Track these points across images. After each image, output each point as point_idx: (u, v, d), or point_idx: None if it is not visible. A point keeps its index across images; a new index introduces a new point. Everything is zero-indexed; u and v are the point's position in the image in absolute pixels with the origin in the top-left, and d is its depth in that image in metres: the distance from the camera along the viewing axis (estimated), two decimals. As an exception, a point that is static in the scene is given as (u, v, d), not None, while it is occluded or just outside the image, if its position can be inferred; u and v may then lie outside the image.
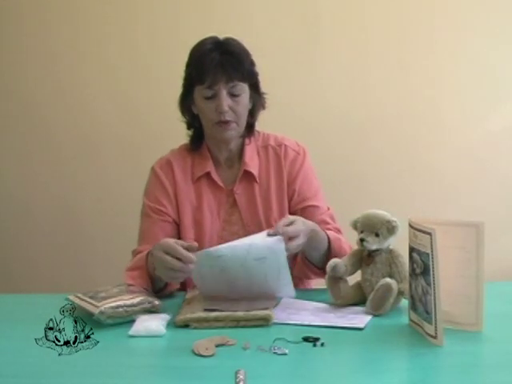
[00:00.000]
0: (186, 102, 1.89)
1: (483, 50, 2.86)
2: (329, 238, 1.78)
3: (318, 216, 1.88)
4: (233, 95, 1.81)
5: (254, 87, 1.88)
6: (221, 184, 1.90)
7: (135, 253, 1.86)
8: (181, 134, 1.96)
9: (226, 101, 1.80)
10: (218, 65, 1.79)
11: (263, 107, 1.93)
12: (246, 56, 1.85)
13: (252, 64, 1.87)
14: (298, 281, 1.93)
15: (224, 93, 1.80)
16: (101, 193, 2.92)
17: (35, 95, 2.90)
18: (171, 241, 1.59)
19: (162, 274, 1.62)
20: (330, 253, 1.76)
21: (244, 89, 1.84)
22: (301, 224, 1.65)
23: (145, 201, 1.92)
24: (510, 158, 2.93)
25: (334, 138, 2.88)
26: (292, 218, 1.66)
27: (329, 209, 1.94)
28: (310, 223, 1.71)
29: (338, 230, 1.90)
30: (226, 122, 1.82)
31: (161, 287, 1.74)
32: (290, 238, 1.60)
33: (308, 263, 1.81)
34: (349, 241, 1.72)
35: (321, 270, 1.79)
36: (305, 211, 1.88)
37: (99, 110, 2.89)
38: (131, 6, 2.86)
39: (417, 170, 2.91)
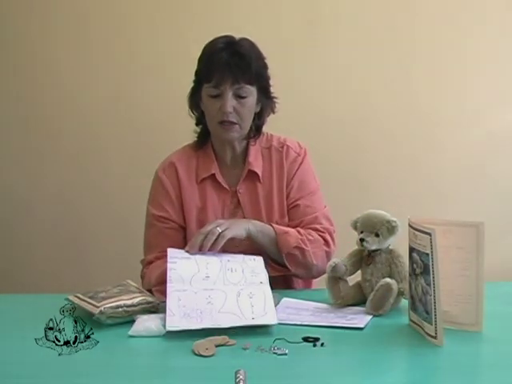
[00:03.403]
0: (195, 98, 1.89)
1: (483, 49, 2.86)
2: (276, 233, 1.80)
3: (310, 215, 1.88)
4: (238, 97, 1.80)
5: (263, 90, 1.87)
6: (225, 186, 1.89)
7: (145, 262, 1.86)
8: (183, 134, 1.95)
9: (230, 102, 1.79)
10: (226, 65, 1.78)
11: (272, 111, 1.92)
12: (257, 59, 1.83)
13: (263, 67, 1.85)
14: (295, 281, 1.94)
15: (229, 94, 1.79)
16: (101, 193, 2.92)
17: (36, 96, 2.90)
18: None
19: None
20: (277, 247, 1.80)
21: (251, 91, 1.82)
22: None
23: (149, 208, 1.91)
24: (509, 158, 2.93)
25: (334, 138, 2.87)
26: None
27: (325, 207, 1.93)
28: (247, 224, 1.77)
29: (327, 231, 1.88)
30: (229, 123, 1.81)
31: None
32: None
33: (269, 261, 1.80)
34: (349, 241, 1.71)
35: (283, 266, 1.82)
36: (297, 210, 1.89)
37: (100, 110, 2.89)
38: (133, 6, 2.85)
39: (417, 170, 2.91)
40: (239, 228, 1.74)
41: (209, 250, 1.67)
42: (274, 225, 1.82)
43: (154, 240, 1.87)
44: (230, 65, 1.78)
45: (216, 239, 1.67)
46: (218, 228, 1.70)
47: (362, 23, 2.85)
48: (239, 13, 2.80)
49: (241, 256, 1.70)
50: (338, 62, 2.85)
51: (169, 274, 1.58)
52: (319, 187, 1.96)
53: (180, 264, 1.62)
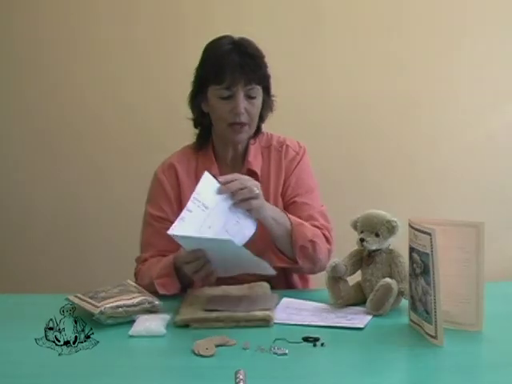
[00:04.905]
0: (197, 100, 1.88)
1: (483, 49, 2.86)
2: (291, 224, 1.77)
3: (306, 211, 1.86)
4: (249, 97, 1.81)
5: (266, 89, 1.88)
6: None
7: (140, 260, 1.86)
8: (182, 135, 1.95)
9: (242, 103, 1.79)
10: (238, 66, 1.78)
11: (271, 110, 1.93)
12: (263, 58, 1.84)
13: (266, 66, 1.86)
14: (295, 280, 1.94)
15: (241, 95, 1.79)
16: (101, 193, 2.92)
17: (36, 95, 2.90)
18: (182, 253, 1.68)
19: (194, 278, 1.67)
20: (291, 238, 1.76)
21: (259, 92, 1.83)
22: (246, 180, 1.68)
23: (147, 208, 1.91)
24: (510, 158, 2.93)
25: (335, 138, 2.88)
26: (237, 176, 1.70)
27: (322, 206, 1.92)
28: (271, 207, 1.75)
29: (325, 228, 1.86)
30: (240, 124, 1.82)
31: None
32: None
33: (276, 251, 1.79)
34: (349, 241, 1.71)
35: (289, 259, 1.79)
36: (294, 206, 1.87)
37: (100, 111, 2.89)
38: (132, 5, 2.85)
39: (417, 169, 2.92)
40: (266, 214, 1.70)
41: (236, 206, 1.64)
42: (290, 215, 1.79)
43: (151, 239, 1.87)
44: (242, 65, 1.78)
45: (247, 199, 1.64)
46: (256, 190, 1.66)
47: (362, 24, 2.85)
48: (239, 13, 2.81)
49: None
50: (337, 63, 2.86)
51: (186, 208, 1.60)
52: (317, 186, 1.95)
53: (191, 215, 1.61)
